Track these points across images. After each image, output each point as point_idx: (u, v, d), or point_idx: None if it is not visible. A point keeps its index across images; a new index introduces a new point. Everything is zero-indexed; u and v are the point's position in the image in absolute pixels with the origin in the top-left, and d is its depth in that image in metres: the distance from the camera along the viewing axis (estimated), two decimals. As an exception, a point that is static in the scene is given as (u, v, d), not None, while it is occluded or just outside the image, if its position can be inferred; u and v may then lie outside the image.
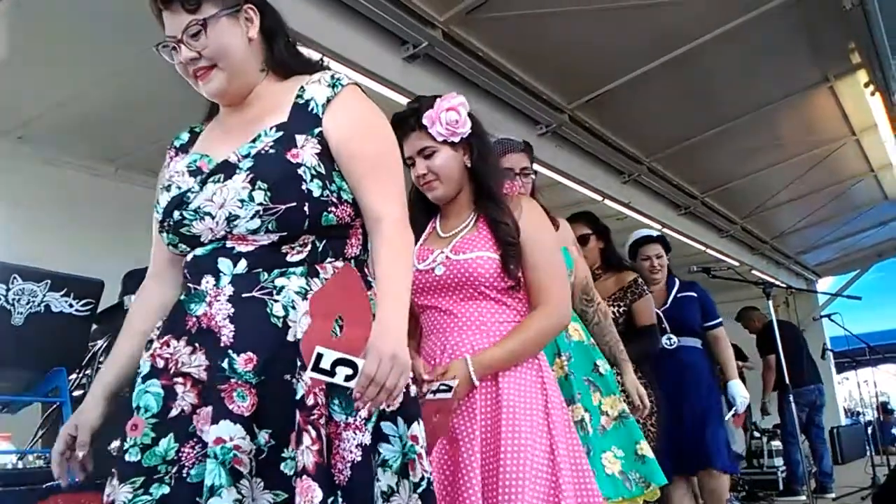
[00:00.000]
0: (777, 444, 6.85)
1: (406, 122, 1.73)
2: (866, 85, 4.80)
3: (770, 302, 4.61)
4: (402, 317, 1.20)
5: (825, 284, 10.95)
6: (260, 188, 1.20)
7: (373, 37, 3.35)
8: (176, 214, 1.26)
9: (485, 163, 1.77)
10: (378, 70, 3.39)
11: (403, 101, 3.55)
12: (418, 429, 1.25)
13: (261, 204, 1.20)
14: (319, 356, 1.08)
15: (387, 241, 1.25)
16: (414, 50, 3.46)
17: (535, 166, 2.46)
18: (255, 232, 1.22)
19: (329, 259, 1.27)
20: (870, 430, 8.99)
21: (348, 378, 1.09)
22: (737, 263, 7.67)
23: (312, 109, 1.30)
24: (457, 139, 1.71)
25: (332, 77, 1.33)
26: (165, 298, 1.35)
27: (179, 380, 1.19)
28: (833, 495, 6.15)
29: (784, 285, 8.83)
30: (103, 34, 3.14)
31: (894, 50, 4.44)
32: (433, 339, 1.72)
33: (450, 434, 1.60)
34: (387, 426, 1.22)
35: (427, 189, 1.76)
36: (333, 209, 1.26)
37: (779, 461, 6.76)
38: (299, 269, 1.24)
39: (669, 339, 3.48)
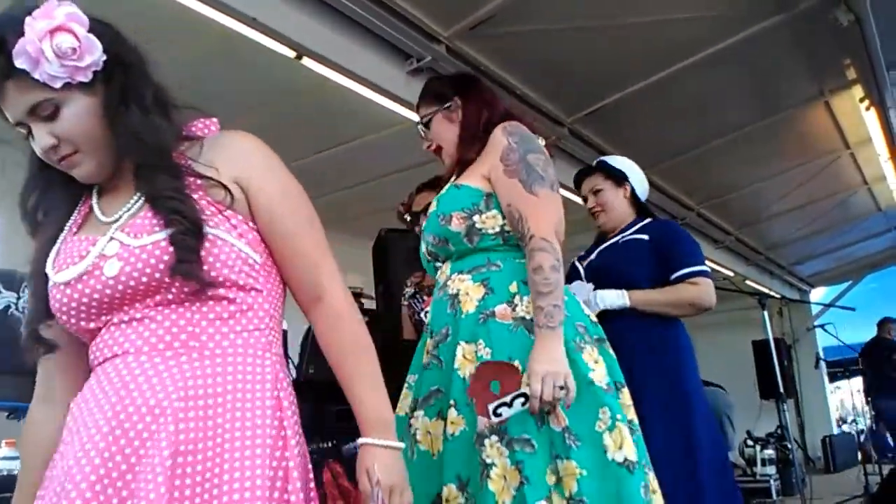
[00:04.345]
0: (770, 452, 6.89)
1: None
2: (861, 100, 4.85)
3: (765, 312, 4.63)
4: None
5: (818, 294, 11.04)
6: None
7: (378, 51, 3.40)
8: None
9: (126, 103, 1.04)
10: (383, 83, 3.44)
11: (408, 114, 3.61)
12: None
13: None
14: None
15: None
16: (418, 64, 3.51)
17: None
18: None
19: None
20: (861, 438, 9.04)
21: None
22: (731, 274, 7.73)
23: None
24: (87, 77, 1.00)
25: None
26: None
27: None
28: None
29: (778, 296, 8.90)
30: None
31: (890, 66, 4.49)
32: (101, 399, 0.99)
33: None
34: None
35: (68, 167, 1.06)
36: None
37: (771, 469, 6.80)
38: None
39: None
